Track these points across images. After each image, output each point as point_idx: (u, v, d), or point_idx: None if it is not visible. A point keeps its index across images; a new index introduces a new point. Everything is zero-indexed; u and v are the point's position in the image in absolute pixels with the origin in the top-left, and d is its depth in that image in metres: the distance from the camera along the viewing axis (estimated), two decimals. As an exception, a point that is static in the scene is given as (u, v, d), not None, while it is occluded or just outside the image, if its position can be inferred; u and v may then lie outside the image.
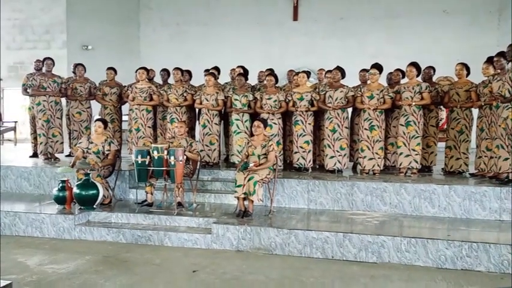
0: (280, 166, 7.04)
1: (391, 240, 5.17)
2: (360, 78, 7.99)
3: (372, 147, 7.10)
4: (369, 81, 7.40)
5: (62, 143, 8.47)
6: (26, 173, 7.60)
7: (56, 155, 8.44)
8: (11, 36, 13.66)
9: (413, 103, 6.95)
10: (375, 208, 6.43)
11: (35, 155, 8.79)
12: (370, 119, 7.08)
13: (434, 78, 7.76)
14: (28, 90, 8.42)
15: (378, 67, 7.28)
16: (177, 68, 8.05)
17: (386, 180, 6.64)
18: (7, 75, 13.33)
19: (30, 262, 5.04)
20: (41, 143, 8.26)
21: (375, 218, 6.11)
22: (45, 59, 8.45)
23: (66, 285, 4.38)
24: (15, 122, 12.38)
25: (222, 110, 7.96)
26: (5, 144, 12.39)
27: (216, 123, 7.69)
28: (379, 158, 7.13)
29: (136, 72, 8.12)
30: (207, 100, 7.62)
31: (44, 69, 8.44)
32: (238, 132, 7.48)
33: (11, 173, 7.65)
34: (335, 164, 7.24)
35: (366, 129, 7.11)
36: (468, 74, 7.19)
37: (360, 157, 7.23)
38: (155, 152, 6.16)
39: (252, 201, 5.98)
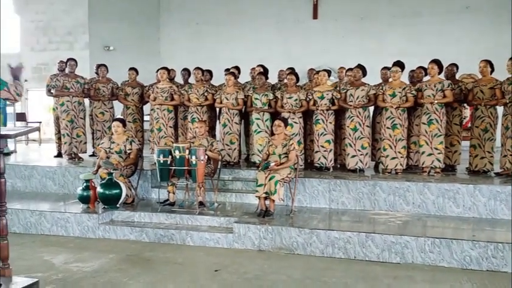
0: (301, 165, 7.03)
1: (415, 240, 5.11)
2: (381, 76, 7.92)
3: (395, 146, 7.03)
4: (390, 79, 7.33)
5: (86, 143, 8.59)
6: (51, 172, 7.73)
7: (80, 154, 8.56)
8: (35, 38, 13.91)
9: (436, 101, 6.85)
10: (397, 208, 6.36)
11: (59, 154, 8.93)
12: (393, 118, 7.01)
13: (457, 76, 7.64)
14: (52, 91, 8.56)
15: (400, 65, 7.20)
16: (197, 68, 8.09)
17: (409, 179, 6.57)
18: (31, 77, 13.57)
19: (55, 260, 5.13)
20: (65, 143, 8.39)
21: (397, 218, 6.04)
22: (68, 60, 8.58)
23: (90, 284, 4.44)
24: (40, 122, 12.61)
25: (243, 109, 7.97)
26: (29, 144, 12.64)
27: (236, 123, 7.70)
28: (401, 157, 7.05)
29: (157, 72, 8.18)
30: (227, 99, 7.64)
31: (67, 70, 8.57)
32: (259, 132, 7.48)
33: (36, 173, 7.79)
34: (357, 163, 7.19)
35: (388, 127, 7.04)
36: (492, 71, 7.06)
37: (382, 156, 7.16)
38: (177, 152, 6.20)
39: (273, 201, 5.97)
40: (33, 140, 12.84)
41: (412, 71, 7.85)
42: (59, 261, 5.09)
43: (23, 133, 4.15)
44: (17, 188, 7.75)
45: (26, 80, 12.83)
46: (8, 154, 9.36)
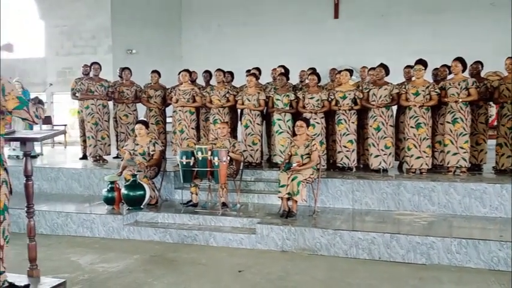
0: (323, 166, 6.99)
1: (441, 241, 5.03)
2: (404, 75, 7.82)
3: (419, 146, 6.93)
4: (413, 78, 7.23)
5: (110, 145, 8.72)
6: (76, 174, 7.87)
7: (104, 156, 8.69)
8: (59, 43, 14.16)
9: (460, 100, 6.74)
10: (422, 208, 6.28)
11: (84, 157, 9.07)
12: (416, 117, 6.92)
13: (482, 74, 7.48)
14: (77, 94, 8.70)
15: (422, 63, 7.09)
16: (219, 70, 8.13)
17: (434, 179, 6.47)
18: (56, 80, 13.83)
19: (82, 261, 5.21)
20: (90, 145, 8.52)
21: (422, 218, 5.96)
22: (92, 63, 8.71)
23: (116, 284, 4.50)
24: (65, 125, 12.84)
25: (264, 110, 7.97)
26: (55, 147, 12.88)
27: (258, 124, 7.71)
28: (426, 156, 6.95)
29: (179, 74, 8.25)
30: (249, 100, 7.66)
31: (91, 74, 8.70)
32: (281, 132, 7.47)
33: (62, 175, 7.93)
34: (380, 163, 7.12)
35: (412, 127, 6.95)
36: (519, 68, 6.90)
37: (407, 156, 7.07)
38: (199, 153, 6.24)
39: (296, 202, 5.96)
40: (59, 143, 13.08)
41: (436, 69, 7.75)
42: (85, 262, 5.17)
43: (49, 136, 4.24)
44: (43, 190, 7.90)
45: (51, 84, 13.10)
46: (35, 157, 9.56)
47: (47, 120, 13.12)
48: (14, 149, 9.18)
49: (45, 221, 6.44)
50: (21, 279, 3.56)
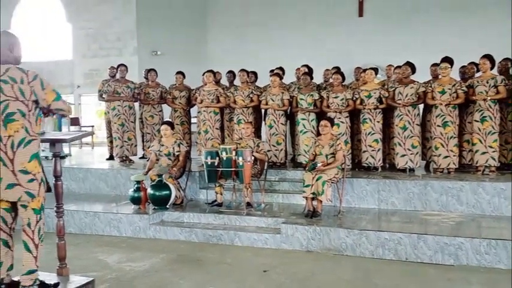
0: (348, 165, 6.94)
1: (469, 241, 4.94)
2: (431, 73, 7.71)
3: (446, 145, 6.82)
4: (440, 76, 7.11)
5: (136, 145, 8.83)
6: (104, 175, 8.00)
7: (131, 157, 8.81)
8: (86, 45, 14.44)
9: (489, 98, 6.60)
10: (450, 208, 6.17)
11: (111, 157, 9.22)
12: (443, 115, 6.80)
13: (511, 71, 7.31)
14: (104, 96, 8.85)
15: (449, 61, 6.98)
16: (242, 70, 8.15)
17: (462, 178, 6.35)
18: (83, 82, 14.10)
19: (109, 260, 5.30)
20: (116, 146, 8.65)
21: (450, 218, 5.86)
22: (119, 65, 8.84)
23: (143, 283, 4.55)
24: (92, 126, 13.08)
25: (288, 110, 7.96)
26: (83, 147, 13.13)
27: (282, 123, 7.70)
28: (454, 155, 6.83)
29: (203, 75, 8.30)
30: (273, 100, 7.65)
31: (117, 76, 8.84)
32: (305, 132, 7.45)
33: (89, 175, 8.08)
34: (406, 163, 7.02)
35: (438, 125, 6.84)
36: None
37: (434, 155, 6.95)
38: (224, 153, 6.26)
39: (321, 201, 5.93)
40: (86, 144, 13.33)
41: (463, 67, 7.61)
42: (112, 261, 5.25)
43: (78, 137, 4.31)
44: (71, 189, 8.06)
45: (78, 86, 13.36)
46: (64, 157, 9.76)
47: (75, 122, 13.39)
48: (43, 150, 9.38)
49: (73, 221, 6.57)
50: (50, 278, 3.64)
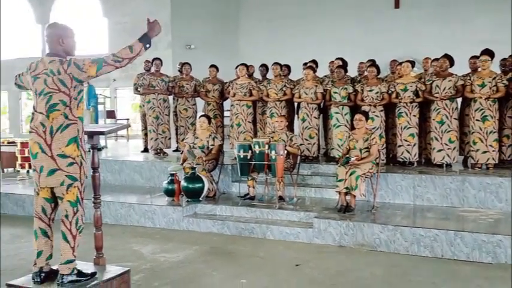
0: (383, 160, 6.83)
1: (508, 239, 4.79)
2: (469, 66, 7.47)
3: (485, 139, 6.62)
4: (479, 69, 6.90)
5: (170, 138, 8.94)
6: (138, 167, 8.14)
7: (165, 149, 8.92)
8: (122, 39, 14.58)
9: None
10: (489, 205, 6.00)
11: (146, 150, 9.37)
12: (482, 109, 6.60)
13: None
14: (139, 89, 8.98)
15: (489, 53, 6.76)
16: (276, 63, 8.11)
17: (502, 174, 6.17)
18: (119, 76, 14.34)
19: (144, 250, 5.39)
20: (151, 139, 8.77)
21: (489, 215, 5.70)
22: (154, 59, 8.95)
23: (177, 274, 4.62)
24: (127, 119, 13.32)
25: (321, 104, 7.88)
26: (118, 140, 13.39)
27: (315, 117, 7.64)
28: (493, 150, 6.63)
29: (236, 68, 8.32)
30: (306, 94, 7.60)
31: (153, 69, 8.95)
32: (338, 126, 7.37)
33: (125, 167, 8.24)
34: (443, 158, 6.86)
35: (477, 120, 6.65)
36: None
37: (472, 150, 6.77)
38: (256, 147, 6.27)
39: (354, 196, 5.86)
40: (122, 136, 13.59)
41: (504, 59, 7.35)
42: (147, 252, 5.34)
43: (114, 130, 4.40)
44: (107, 181, 8.23)
45: (114, 80, 13.62)
46: (100, 150, 9.98)
47: (111, 115, 13.67)
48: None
49: (109, 211, 6.71)
50: (88, 267, 3.72)
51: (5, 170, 9.84)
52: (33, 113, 3.51)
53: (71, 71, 3.40)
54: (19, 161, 9.67)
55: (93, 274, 3.64)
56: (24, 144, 9.65)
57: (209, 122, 7.17)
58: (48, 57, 3.48)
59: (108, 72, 3.54)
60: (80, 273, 3.55)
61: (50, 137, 3.38)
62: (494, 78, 6.62)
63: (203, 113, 7.80)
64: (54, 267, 3.63)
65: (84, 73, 3.42)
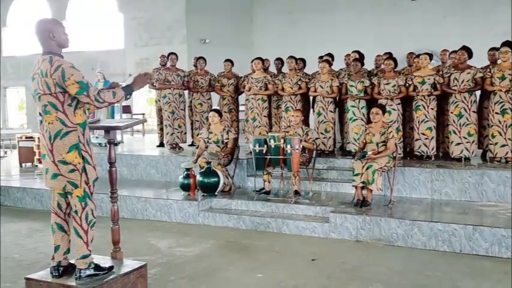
0: (400, 154, 6.76)
1: (529, 234, 4.70)
2: (488, 58, 7.33)
3: (504, 133, 6.50)
4: (499, 61, 6.77)
5: (186, 133, 8.96)
6: (154, 161, 8.18)
7: (180, 144, 8.95)
8: (137, 34, 14.73)
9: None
10: (508, 199, 5.90)
11: (161, 144, 9.41)
12: (502, 102, 6.49)
13: None
14: (155, 84, 9.01)
15: (509, 45, 6.62)
16: (291, 57, 8.06)
17: (522, 168, 6.05)
18: (135, 71, 14.38)
19: (160, 245, 5.42)
20: (167, 134, 8.80)
21: (508, 209, 5.60)
22: (169, 54, 8.96)
23: (193, 268, 4.63)
24: (143, 114, 13.38)
25: (337, 97, 7.82)
26: (134, 135, 13.47)
27: (331, 111, 7.59)
28: (512, 144, 6.51)
29: (251, 62, 8.29)
30: (322, 87, 7.54)
31: (168, 64, 8.96)
32: (354, 120, 7.30)
33: (141, 162, 8.28)
34: (462, 152, 6.76)
35: (497, 113, 6.53)
36: None
37: (491, 144, 6.66)
38: (272, 141, 6.24)
39: (371, 191, 5.81)
40: (138, 131, 13.66)
41: (525, 51, 7.18)
42: (163, 246, 5.37)
43: (131, 125, 4.40)
44: (124, 176, 8.28)
45: (130, 75, 13.63)
46: (117, 144, 10.03)
47: (127, 110, 13.74)
48: (96, 137, 9.70)
49: (126, 206, 6.75)
50: (105, 261, 3.75)
51: (23, 164, 9.97)
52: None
53: (55, 76, 3.28)
54: (37, 156, 9.78)
55: (110, 268, 3.67)
56: (41, 140, 9.74)
57: (220, 116, 7.15)
58: (42, 56, 3.40)
59: (83, 101, 3.37)
60: (97, 267, 3.57)
61: (49, 142, 3.39)
62: (514, 70, 6.50)
63: (213, 108, 7.78)
64: (72, 261, 3.66)
65: (66, 86, 3.29)
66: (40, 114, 3.46)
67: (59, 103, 3.34)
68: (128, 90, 3.56)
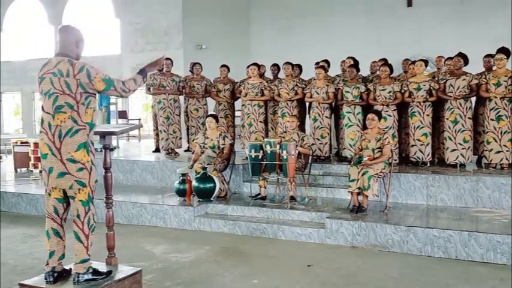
0: (395, 160, 6.77)
1: (525, 241, 4.72)
2: (484, 65, 7.37)
3: (500, 139, 6.53)
4: (495, 68, 6.81)
5: (181, 138, 8.95)
6: (150, 167, 8.16)
7: (176, 150, 8.93)
8: (134, 40, 14.74)
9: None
10: (503, 205, 5.92)
11: (157, 150, 9.39)
12: (497, 109, 6.52)
13: None
14: (151, 89, 9.00)
15: (505, 52, 6.67)
16: (287, 63, 8.08)
17: (517, 175, 6.07)
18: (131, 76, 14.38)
19: (156, 250, 5.40)
20: (162, 139, 8.79)
21: (503, 216, 5.62)
22: (165, 59, 8.93)
23: (188, 274, 4.61)
24: (139, 119, 13.37)
25: (333, 103, 7.84)
26: (130, 140, 13.45)
27: (326, 117, 7.60)
28: (507, 150, 6.54)
29: (247, 68, 8.30)
30: (318, 93, 7.56)
31: (164, 69, 8.96)
32: (350, 125, 7.32)
33: (136, 167, 8.26)
34: (457, 158, 6.79)
35: (492, 119, 6.56)
36: None
37: (486, 150, 6.69)
38: (268, 147, 6.25)
39: (367, 196, 5.82)
40: (134, 136, 13.65)
41: (520, 57, 7.23)
42: (158, 252, 5.35)
43: (127, 130, 4.39)
44: (119, 181, 8.26)
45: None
46: (112, 149, 10.02)
47: (123, 115, 13.74)
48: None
49: (121, 211, 6.73)
50: (100, 267, 3.73)
51: (18, 170, 9.92)
52: (42, 114, 3.53)
53: (80, 76, 3.39)
54: (32, 161, 9.75)
55: (108, 273, 3.66)
56: (37, 145, 9.71)
57: (217, 121, 7.16)
58: (57, 58, 3.47)
59: (110, 95, 3.61)
60: (95, 272, 3.56)
61: (58, 140, 3.39)
62: (510, 77, 6.53)
63: (210, 113, 7.79)
64: (67, 267, 3.64)
65: (92, 85, 3.43)
66: (47, 112, 3.42)
67: (75, 103, 3.41)
68: (144, 73, 3.76)
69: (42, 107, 3.50)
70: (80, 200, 3.48)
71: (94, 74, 3.42)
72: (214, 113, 8.22)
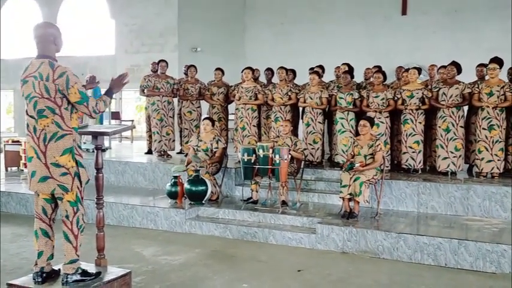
0: (387, 167, 6.80)
1: (513, 249, 4.74)
2: (476, 74, 7.45)
3: (491, 148, 6.58)
4: (487, 77, 6.86)
5: (174, 140, 8.93)
6: (142, 168, 8.13)
7: (169, 152, 8.91)
8: (129, 41, 14.69)
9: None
10: (493, 214, 5.96)
11: (149, 151, 9.36)
12: (489, 118, 6.56)
13: None
14: (145, 91, 8.98)
15: (498, 61, 6.72)
16: (281, 67, 8.09)
17: (507, 184, 6.12)
18: (124, 77, 14.33)
19: (146, 252, 5.37)
20: (155, 141, 8.77)
21: (493, 224, 5.65)
22: (159, 61, 8.95)
23: (178, 277, 4.60)
24: (132, 120, 13.33)
25: (326, 109, 7.86)
26: (123, 141, 13.40)
27: (319, 122, 7.62)
28: (498, 160, 6.58)
29: (242, 72, 8.30)
30: (311, 98, 7.58)
31: (158, 71, 8.94)
32: (343, 132, 7.34)
33: (128, 169, 8.23)
34: (448, 166, 6.82)
35: (484, 128, 6.61)
36: None
37: (477, 159, 6.73)
38: (261, 151, 6.25)
39: (358, 202, 5.84)
40: (126, 138, 13.59)
41: (512, 68, 7.30)
42: (148, 254, 5.32)
43: (119, 131, 4.37)
44: (111, 182, 8.22)
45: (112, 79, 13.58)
46: (104, 150, 9.96)
47: (116, 116, 13.68)
48: (84, 143, 9.62)
49: (112, 212, 6.70)
50: (89, 268, 3.70)
51: (9, 168, 9.85)
52: (26, 118, 3.46)
53: (59, 82, 3.32)
54: (23, 160, 9.67)
55: (97, 274, 3.64)
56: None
57: (213, 125, 7.16)
58: (38, 60, 3.39)
59: (78, 110, 3.47)
60: (84, 273, 3.54)
61: (43, 144, 3.36)
62: (502, 87, 6.59)
63: (207, 116, 7.78)
64: (56, 268, 3.61)
65: (67, 93, 3.35)
66: (31, 116, 3.39)
67: (56, 107, 3.36)
68: (110, 93, 3.68)
69: (26, 111, 3.44)
70: (68, 201, 3.46)
71: (72, 83, 3.35)
72: (208, 116, 8.21)
